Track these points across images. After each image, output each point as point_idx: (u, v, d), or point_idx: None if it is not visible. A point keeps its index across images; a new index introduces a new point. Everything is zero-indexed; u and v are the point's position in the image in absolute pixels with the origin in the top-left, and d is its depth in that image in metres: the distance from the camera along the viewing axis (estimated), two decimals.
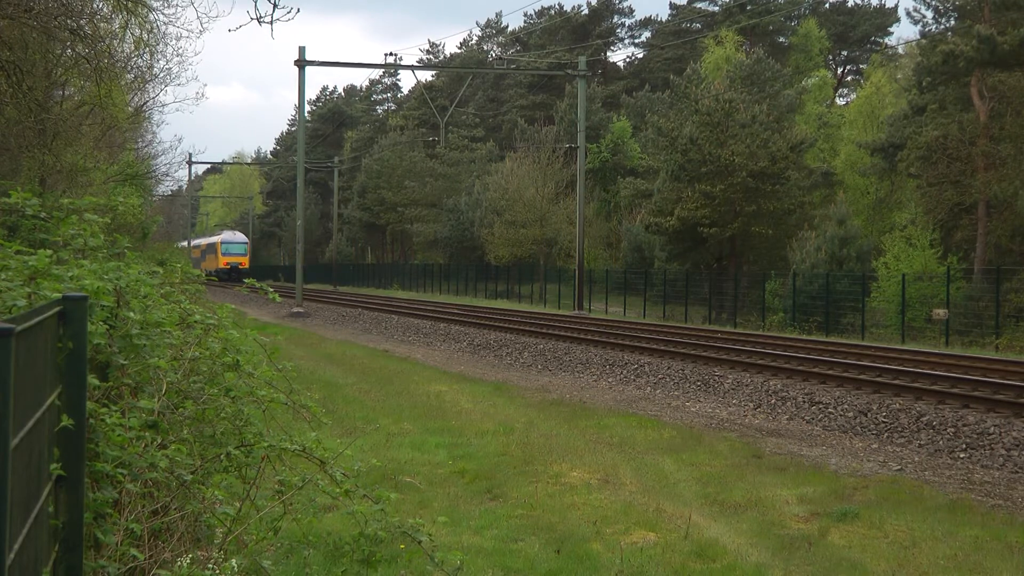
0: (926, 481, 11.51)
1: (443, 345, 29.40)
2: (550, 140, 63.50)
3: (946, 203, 39.59)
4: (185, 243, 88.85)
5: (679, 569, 7.65)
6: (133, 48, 21.65)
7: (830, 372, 18.94)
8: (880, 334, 33.92)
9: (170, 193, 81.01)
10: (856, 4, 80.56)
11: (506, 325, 32.12)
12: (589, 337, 27.59)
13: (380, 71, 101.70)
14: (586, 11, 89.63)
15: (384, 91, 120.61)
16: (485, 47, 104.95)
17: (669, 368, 21.10)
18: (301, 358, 21.89)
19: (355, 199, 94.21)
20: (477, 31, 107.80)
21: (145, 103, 32.16)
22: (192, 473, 5.19)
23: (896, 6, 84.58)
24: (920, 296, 34.70)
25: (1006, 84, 37.39)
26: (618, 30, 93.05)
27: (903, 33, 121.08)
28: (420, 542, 5.64)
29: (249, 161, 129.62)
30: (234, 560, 5.11)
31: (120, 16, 18.49)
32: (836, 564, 7.95)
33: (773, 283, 40.10)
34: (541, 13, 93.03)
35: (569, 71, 50.32)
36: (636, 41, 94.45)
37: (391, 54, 44.25)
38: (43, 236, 6.01)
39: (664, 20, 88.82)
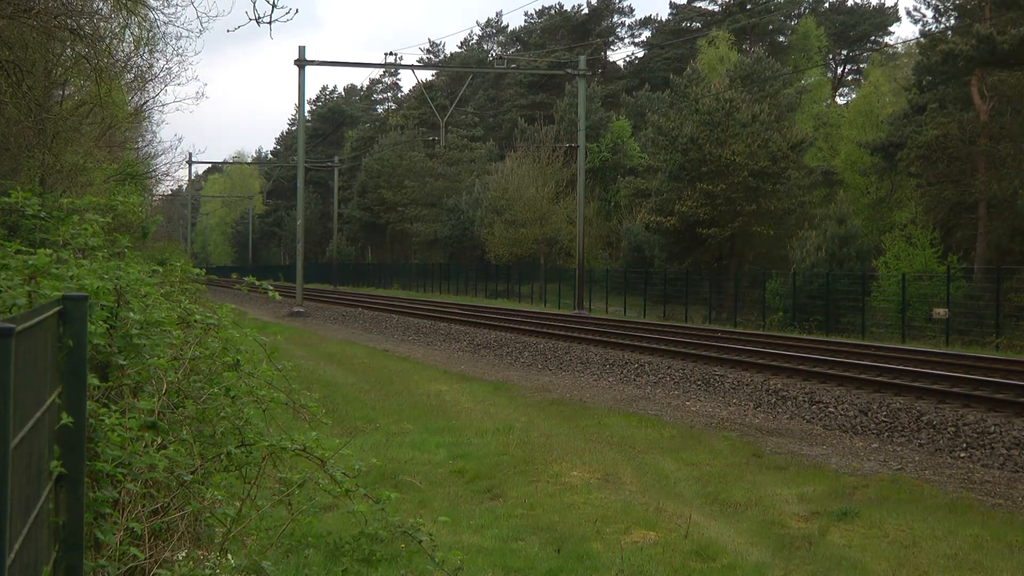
0: (926, 480, 11.51)
1: (443, 345, 29.39)
2: (550, 140, 63.46)
3: (946, 202, 39.59)
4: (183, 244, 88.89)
5: (679, 568, 7.65)
6: (133, 48, 21.66)
7: (830, 371, 18.93)
8: (880, 333, 33.89)
9: (170, 193, 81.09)
10: (856, 3, 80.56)
11: (506, 325, 32.11)
12: (589, 337, 27.59)
13: (380, 71, 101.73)
14: (586, 10, 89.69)
15: (384, 90, 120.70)
16: (485, 46, 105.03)
17: (669, 367, 21.09)
18: (301, 358, 21.88)
19: (355, 199, 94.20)
20: (477, 30, 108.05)
21: (145, 103, 32.15)
22: (192, 473, 5.18)
23: (896, 5, 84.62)
24: (920, 295, 34.67)
25: (1006, 83, 37.39)
26: (618, 29, 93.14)
27: (903, 32, 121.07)
28: (420, 541, 5.63)
29: (249, 161, 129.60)
30: (234, 560, 5.11)
31: (120, 16, 18.50)
32: (836, 563, 7.95)
33: (773, 282, 40.07)
34: (541, 12, 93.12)
35: (569, 70, 50.32)
36: (636, 40, 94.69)
37: (391, 53, 44.18)
38: (43, 236, 6.00)
39: (664, 19, 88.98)
